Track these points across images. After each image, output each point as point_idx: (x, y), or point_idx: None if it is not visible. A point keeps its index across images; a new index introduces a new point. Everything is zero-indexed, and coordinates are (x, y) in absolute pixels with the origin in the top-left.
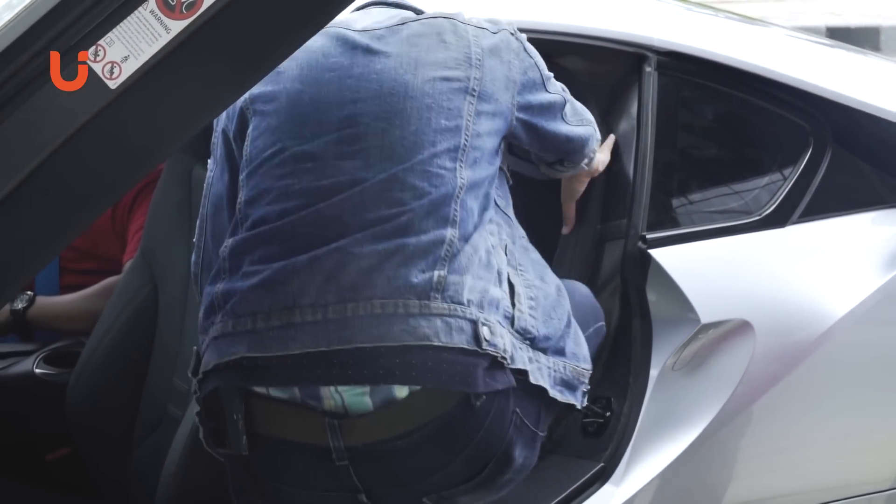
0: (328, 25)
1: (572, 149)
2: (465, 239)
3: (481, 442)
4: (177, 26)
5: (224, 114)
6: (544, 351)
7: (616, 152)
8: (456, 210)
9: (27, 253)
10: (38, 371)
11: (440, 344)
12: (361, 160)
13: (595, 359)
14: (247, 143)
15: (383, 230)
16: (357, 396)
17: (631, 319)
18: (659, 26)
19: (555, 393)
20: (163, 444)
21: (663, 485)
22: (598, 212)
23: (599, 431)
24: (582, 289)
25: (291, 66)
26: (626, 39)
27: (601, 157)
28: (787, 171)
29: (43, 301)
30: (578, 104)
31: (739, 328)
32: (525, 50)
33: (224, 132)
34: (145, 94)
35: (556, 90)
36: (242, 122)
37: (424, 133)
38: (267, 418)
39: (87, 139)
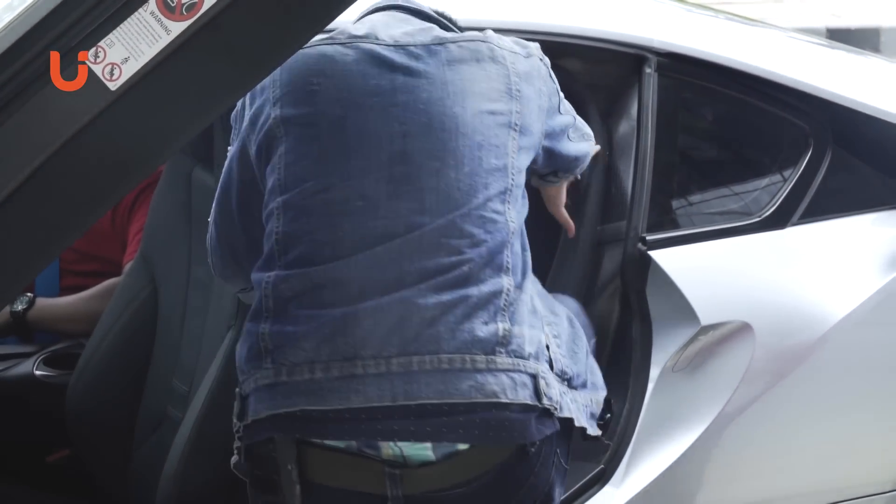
0: (356, 42)
1: (576, 165)
2: (519, 286)
3: (532, 486)
4: (177, 28)
5: (242, 124)
6: (576, 388)
7: (616, 154)
8: (508, 257)
9: (27, 254)
10: (38, 373)
11: (507, 401)
12: (416, 203)
13: None
14: (278, 165)
15: (446, 280)
16: (418, 449)
17: (631, 321)
18: (659, 28)
19: (592, 430)
20: (162, 445)
21: (663, 486)
22: (598, 214)
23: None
24: (574, 306)
25: (326, 85)
26: (626, 41)
27: None
28: (787, 173)
29: (43, 303)
30: (580, 119)
31: (739, 330)
32: (550, 75)
33: (244, 143)
34: (145, 95)
35: (567, 110)
36: (270, 140)
37: (478, 174)
38: (322, 467)
39: (87, 140)
